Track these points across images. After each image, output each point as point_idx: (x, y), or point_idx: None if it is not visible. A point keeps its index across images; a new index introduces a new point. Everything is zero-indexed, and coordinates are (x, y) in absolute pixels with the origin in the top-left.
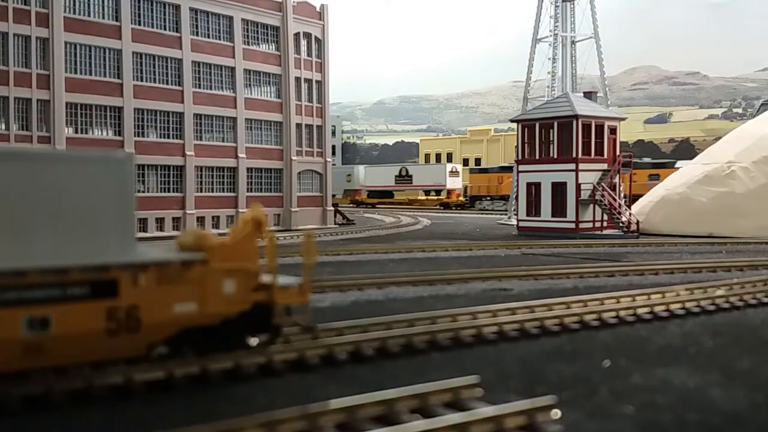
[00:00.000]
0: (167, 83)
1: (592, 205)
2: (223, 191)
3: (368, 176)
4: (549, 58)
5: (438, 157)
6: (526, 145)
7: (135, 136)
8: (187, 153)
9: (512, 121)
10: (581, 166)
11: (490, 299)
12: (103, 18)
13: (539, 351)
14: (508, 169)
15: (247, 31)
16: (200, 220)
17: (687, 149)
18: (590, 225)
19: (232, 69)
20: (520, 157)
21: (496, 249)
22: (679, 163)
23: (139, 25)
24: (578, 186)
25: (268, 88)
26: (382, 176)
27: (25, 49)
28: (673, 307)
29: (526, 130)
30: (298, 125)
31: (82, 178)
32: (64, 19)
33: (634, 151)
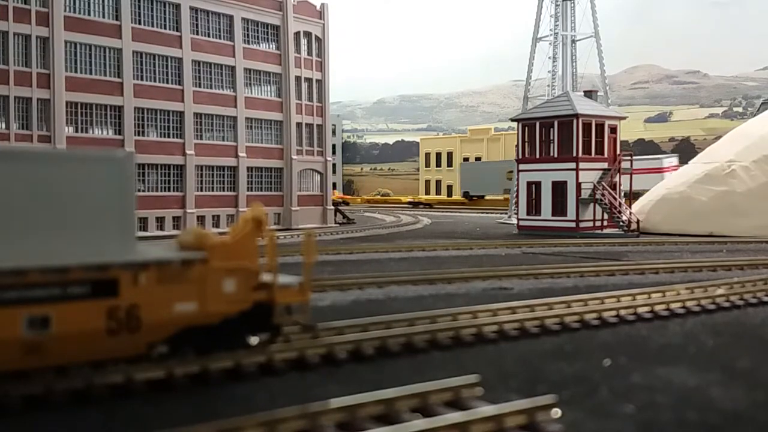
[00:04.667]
0: (167, 82)
1: (592, 204)
2: (224, 190)
3: None
4: (549, 57)
5: (438, 156)
6: (526, 144)
7: (135, 135)
8: (188, 152)
9: (513, 120)
10: (581, 165)
11: (491, 298)
12: (104, 17)
13: (540, 350)
14: None
15: (248, 30)
16: (200, 219)
17: (687, 148)
18: (590, 224)
19: (233, 68)
20: (520, 156)
21: (497, 248)
22: None
23: (140, 24)
24: (578, 185)
25: (269, 87)
26: None
27: (25, 48)
28: (673, 306)
29: (526, 129)
30: (299, 124)
31: (83, 177)
32: (64, 18)
33: (635, 150)
